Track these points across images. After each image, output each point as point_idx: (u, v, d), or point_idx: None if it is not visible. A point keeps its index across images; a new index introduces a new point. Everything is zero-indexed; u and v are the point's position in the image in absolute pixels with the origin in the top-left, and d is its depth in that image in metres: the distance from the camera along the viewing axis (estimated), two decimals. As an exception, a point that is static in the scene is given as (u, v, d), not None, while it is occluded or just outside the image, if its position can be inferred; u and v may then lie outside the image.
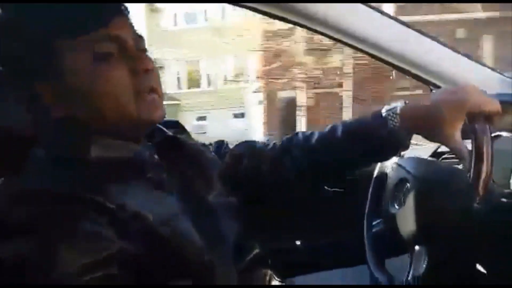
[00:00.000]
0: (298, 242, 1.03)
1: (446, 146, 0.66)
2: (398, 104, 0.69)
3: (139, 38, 0.63)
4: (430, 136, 0.67)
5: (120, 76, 0.58)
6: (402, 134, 0.68)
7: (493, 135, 0.70)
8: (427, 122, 0.66)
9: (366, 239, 0.93)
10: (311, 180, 0.79)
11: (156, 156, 0.66)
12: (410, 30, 0.97)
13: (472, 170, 0.62)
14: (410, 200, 0.78)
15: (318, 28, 0.96)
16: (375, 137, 0.69)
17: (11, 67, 0.61)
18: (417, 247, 0.77)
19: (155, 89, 0.62)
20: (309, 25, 0.96)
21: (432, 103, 0.66)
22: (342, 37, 0.97)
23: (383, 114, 0.69)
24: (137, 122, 0.60)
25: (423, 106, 0.67)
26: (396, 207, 0.84)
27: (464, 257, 0.73)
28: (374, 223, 0.89)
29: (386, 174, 0.90)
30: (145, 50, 0.63)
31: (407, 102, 0.69)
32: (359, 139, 0.72)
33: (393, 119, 0.68)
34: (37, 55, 0.58)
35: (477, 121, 0.63)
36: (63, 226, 0.50)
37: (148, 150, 0.64)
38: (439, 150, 1.06)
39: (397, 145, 0.70)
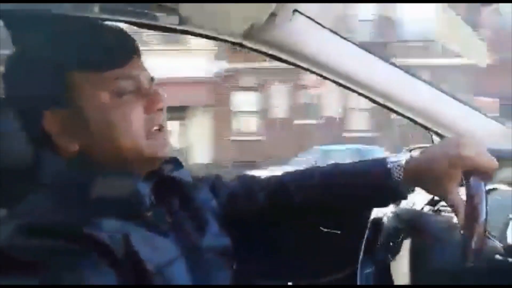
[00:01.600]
0: (290, 284, 1.01)
1: (444, 201, 0.67)
2: (403, 157, 0.71)
3: (151, 78, 0.65)
4: (429, 190, 0.70)
5: (135, 113, 0.61)
6: (405, 187, 0.70)
7: (490, 187, 0.69)
8: (427, 177, 0.67)
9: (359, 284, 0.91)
10: (306, 218, 0.80)
11: (153, 197, 0.65)
12: (411, 77, 0.98)
13: (465, 227, 0.62)
14: (404, 253, 0.77)
15: (316, 69, 0.97)
16: (378, 186, 0.71)
17: (22, 97, 0.62)
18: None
19: (163, 128, 0.64)
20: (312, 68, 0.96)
21: (431, 157, 0.67)
22: (343, 80, 0.98)
23: (388, 166, 0.70)
24: (147, 158, 0.62)
25: (424, 160, 0.68)
26: (390, 258, 0.83)
27: None
28: (367, 271, 0.87)
29: (382, 222, 0.90)
30: (158, 91, 0.65)
31: (411, 155, 0.71)
32: (362, 185, 0.73)
33: (397, 171, 0.69)
34: (50, 86, 0.60)
35: (472, 177, 0.63)
36: (65, 265, 0.50)
37: (147, 189, 0.64)
38: (436, 198, 1.05)
39: (398, 196, 0.73)
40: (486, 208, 0.61)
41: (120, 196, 0.60)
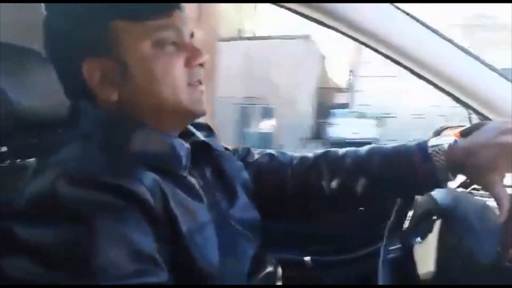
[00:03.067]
0: (309, 258, 1.00)
1: (489, 192, 0.62)
2: (446, 141, 0.66)
3: (192, 34, 0.64)
4: (473, 179, 0.65)
5: (176, 65, 0.60)
6: (446, 174, 0.65)
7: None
8: (472, 166, 0.62)
9: (381, 263, 0.88)
10: (336, 200, 0.76)
11: (189, 159, 0.64)
12: (459, 51, 0.90)
13: (506, 225, 0.58)
14: (434, 236, 0.73)
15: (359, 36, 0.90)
16: (418, 172, 0.67)
17: (61, 44, 0.61)
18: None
19: (202, 83, 0.63)
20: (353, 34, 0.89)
21: (477, 144, 0.62)
22: (388, 50, 0.91)
23: (429, 150, 0.66)
24: (186, 111, 0.62)
25: (470, 147, 0.63)
26: (419, 239, 0.79)
27: None
28: (391, 248, 0.84)
29: (408, 205, 0.85)
30: (197, 46, 0.64)
31: (456, 140, 0.65)
32: (400, 171, 0.69)
33: (439, 157, 0.65)
34: (91, 33, 0.58)
35: None
36: (109, 218, 0.49)
37: (184, 149, 0.63)
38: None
39: (438, 183, 0.67)
40: None
41: (159, 152, 0.59)
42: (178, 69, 0.60)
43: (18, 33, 0.83)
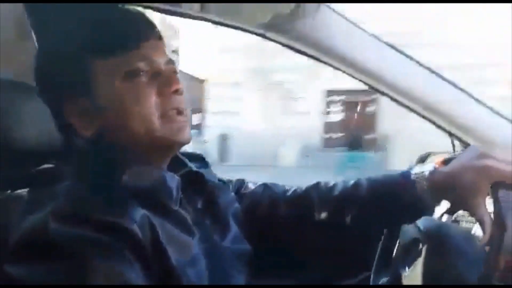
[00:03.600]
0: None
1: (472, 215, 0.64)
2: (427, 168, 0.68)
3: (170, 60, 0.63)
4: (456, 203, 0.66)
5: (148, 95, 0.59)
6: (429, 200, 0.67)
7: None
8: (454, 190, 0.64)
9: None
10: (327, 231, 0.77)
11: (180, 192, 0.64)
12: (436, 77, 0.93)
13: (491, 241, 0.59)
14: (421, 264, 0.74)
15: (338, 65, 0.93)
16: (402, 200, 0.68)
17: (44, 85, 0.63)
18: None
19: (182, 111, 0.61)
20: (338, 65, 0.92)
21: (457, 169, 0.64)
22: (365, 77, 0.94)
23: (412, 177, 0.68)
24: (162, 142, 0.60)
25: (450, 172, 0.65)
26: (406, 268, 0.80)
27: None
28: (380, 280, 0.84)
29: (396, 234, 0.86)
30: (175, 72, 0.63)
31: (435, 167, 0.68)
32: (385, 199, 0.71)
33: (421, 183, 0.67)
34: (68, 76, 0.60)
35: (501, 189, 0.61)
36: (97, 255, 0.49)
37: (174, 182, 0.63)
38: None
39: (423, 210, 0.70)
40: None
41: (148, 186, 0.59)
42: (149, 100, 0.59)
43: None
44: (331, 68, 0.90)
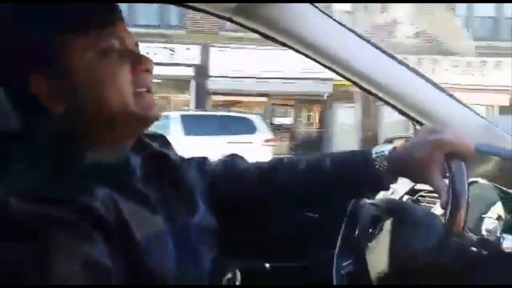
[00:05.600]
0: (268, 265, 1.02)
1: (430, 186, 0.69)
2: (387, 148, 0.73)
3: (136, 43, 0.65)
4: (414, 177, 0.73)
5: (122, 72, 0.60)
6: (387, 178, 0.73)
7: (470, 180, 0.70)
8: (410, 165, 0.69)
9: (335, 278, 0.91)
10: (290, 205, 0.81)
11: (143, 169, 0.65)
12: (402, 67, 0.98)
13: (449, 206, 0.64)
14: (382, 240, 0.77)
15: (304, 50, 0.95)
16: (362, 177, 0.73)
17: (6, 59, 0.60)
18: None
19: (151, 90, 0.64)
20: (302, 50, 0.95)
21: (412, 146, 0.70)
22: (331, 63, 0.97)
23: (373, 156, 0.73)
24: (136, 117, 0.61)
25: (406, 149, 0.71)
26: (368, 245, 0.83)
27: None
28: (344, 264, 0.87)
29: (360, 210, 0.90)
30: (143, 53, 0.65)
31: (394, 146, 0.73)
32: (346, 176, 0.75)
33: (381, 162, 0.72)
34: (36, 47, 0.58)
35: (453, 160, 0.66)
36: (60, 233, 0.49)
37: (137, 160, 0.64)
38: (416, 187, 1.06)
39: (381, 186, 0.75)
40: (468, 188, 0.63)
41: (111, 165, 0.59)
42: (124, 76, 0.61)
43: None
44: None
